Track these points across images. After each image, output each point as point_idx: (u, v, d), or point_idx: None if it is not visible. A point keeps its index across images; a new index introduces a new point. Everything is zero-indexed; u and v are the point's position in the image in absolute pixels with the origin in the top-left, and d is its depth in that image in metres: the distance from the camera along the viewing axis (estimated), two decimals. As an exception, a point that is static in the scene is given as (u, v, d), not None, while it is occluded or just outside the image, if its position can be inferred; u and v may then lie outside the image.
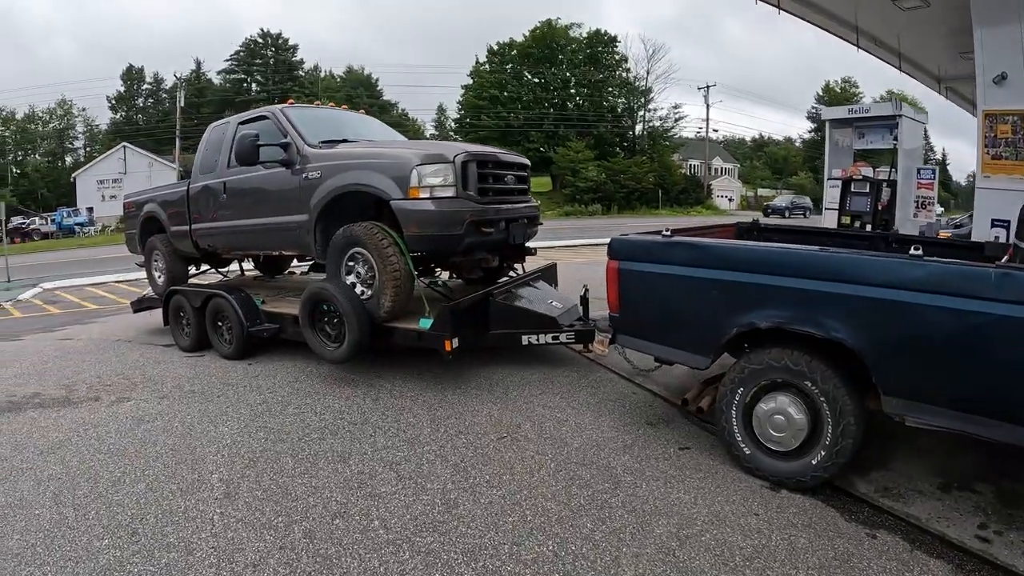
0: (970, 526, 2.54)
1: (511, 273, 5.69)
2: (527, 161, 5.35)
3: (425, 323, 4.38)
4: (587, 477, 3.09)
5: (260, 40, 49.35)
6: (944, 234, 6.48)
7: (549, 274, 5.94)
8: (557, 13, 60.49)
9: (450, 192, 4.28)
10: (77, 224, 34.77)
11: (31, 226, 33.24)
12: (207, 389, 4.65)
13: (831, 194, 6.95)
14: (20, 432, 3.93)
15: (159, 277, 6.67)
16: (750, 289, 3.09)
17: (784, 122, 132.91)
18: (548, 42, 43.33)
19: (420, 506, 2.85)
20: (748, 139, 62.50)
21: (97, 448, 3.61)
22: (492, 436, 3.65)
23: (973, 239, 5.12)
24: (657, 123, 45.44)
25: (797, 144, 58.94)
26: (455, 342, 4.24)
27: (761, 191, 48.42)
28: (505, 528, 2.65)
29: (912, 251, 2.68)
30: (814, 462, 2.87)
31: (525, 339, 4.71)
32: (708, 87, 43.84)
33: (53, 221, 34.23)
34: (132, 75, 49.21)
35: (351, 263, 4.57)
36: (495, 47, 45.01)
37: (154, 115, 48.24)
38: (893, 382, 2.67)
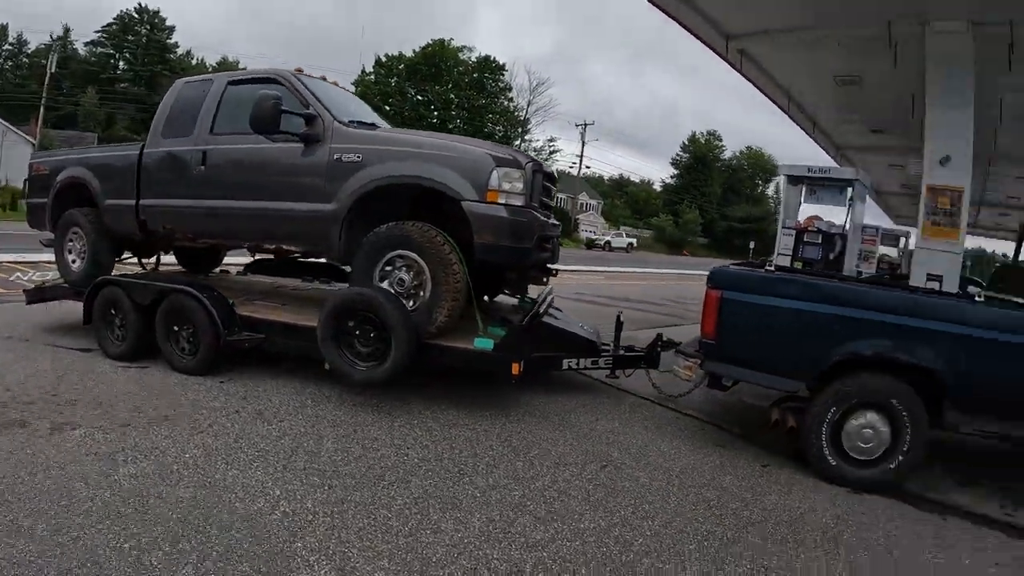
0: (995, 507, 3.33)
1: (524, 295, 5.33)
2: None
3: (483, 343, 3.87)
4: (714, 497, 3.11)
5: (136, 15, 45.62)
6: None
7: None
8: (444, 33, 61.08)
9: (521, 201, 3.90)
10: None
11: None
12: (185, 415, 3.52)
13: (784, 242, 7.80)
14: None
15: (74, 262, 5.15)
16: (853, 322, 3.42)
17: (646, 165, 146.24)
18: (437, 61, 43.38)
19: (594, 549, 2.47)
20: (606, 178, 67.75)
21: (69, 508, 2.38)
22: (593, 466, 3.36)
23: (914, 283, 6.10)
24: (532, 154, 47.49)
25: (658, 188, 65.21)
26: (522, 365, 3.83)
27: (625, 228, 52.43)
28: (697, 556, 2.52)
29: (975, 298, 3.54)
30: (892, 466, 3.33)
31: (566, 363, 4.45)
32: (586, 125, 46.86)
33: None
34: (-9, 32, 40.89)
35: (388, 267, 3.91)
36: (384, 59, 44.24)
37: (12, 79, 42.65)
38: (961, 398, 3.29)
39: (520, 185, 3.87)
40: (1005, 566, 2.71)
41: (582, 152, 48.44)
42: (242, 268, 6.18)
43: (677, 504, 2.99)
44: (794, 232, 7.61)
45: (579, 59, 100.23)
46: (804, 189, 7.69)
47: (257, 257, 5.79)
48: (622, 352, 4.76)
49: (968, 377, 3.23)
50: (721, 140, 61.67)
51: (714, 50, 8.06)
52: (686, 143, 61.86)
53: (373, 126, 4.39)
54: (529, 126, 47.36)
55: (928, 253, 6.09)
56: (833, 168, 8.45)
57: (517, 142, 47.14)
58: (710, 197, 59.16)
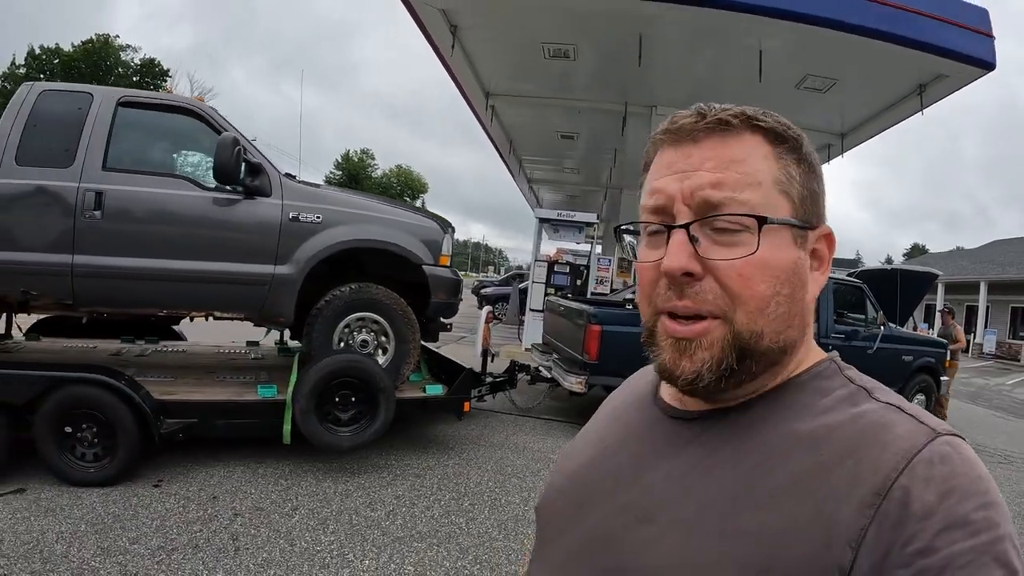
0: None
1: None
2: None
3: (434, 389, 4.41)
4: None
5: None
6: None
7: None
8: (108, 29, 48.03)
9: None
10: None
11: None
12: (126, 564, 2.63)
13: (538, 272, 9.62)
14: None
15: None
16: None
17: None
18: (96, 60, 34.58)
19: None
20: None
21: None
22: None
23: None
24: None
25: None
26: (472, 402, 4.51)
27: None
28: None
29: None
30: None
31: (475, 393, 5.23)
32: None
33: None
34: None
35: (346, 329, 4.07)
36: (38, 50, 33.17)
37: None
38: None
39: (451, 247, 4.54)
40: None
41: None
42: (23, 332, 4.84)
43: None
44: (547, 263, 9.77)
45: (220, 63, 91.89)
46: (550, 227, 9.94)
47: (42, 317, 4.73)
48: (493, 379, 5.59)
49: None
50: (374, 158, 64.14)
51: (469, 101, 9.50)
52: (339, 160, 62.07)
53: (305, 182, 4.25)
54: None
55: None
56: (579, 213, 11.10)
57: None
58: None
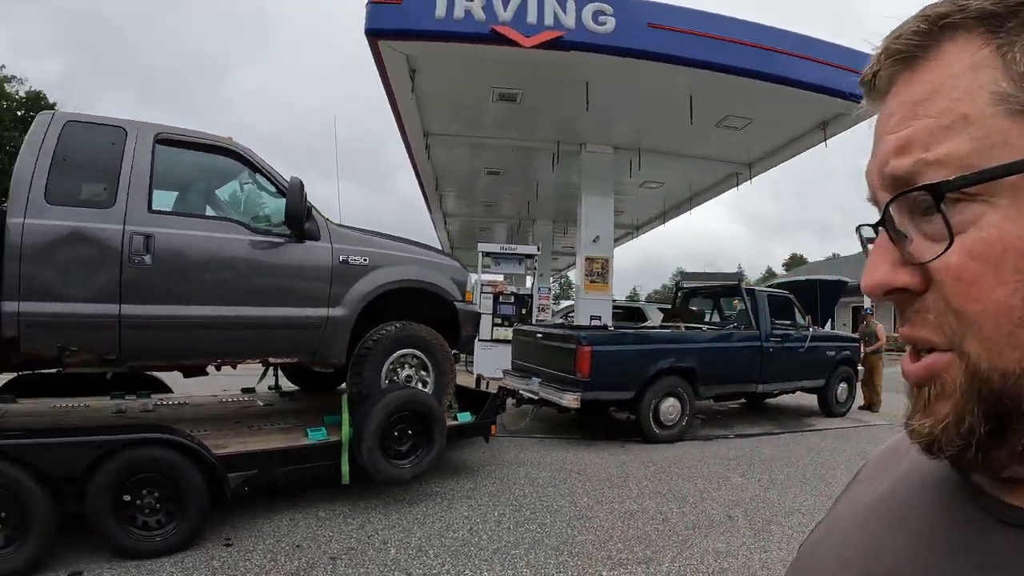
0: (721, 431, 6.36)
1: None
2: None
3: (463, 416, 4.70)
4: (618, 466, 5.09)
5: None
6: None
7: None
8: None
9: None
10: None
11: None
12: None
13: (485, 304, 9.83)
14: None
15: None
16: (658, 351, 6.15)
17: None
18: None
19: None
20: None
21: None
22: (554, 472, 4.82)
23: (579, 323, 9.58)
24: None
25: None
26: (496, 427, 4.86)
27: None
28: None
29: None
30: (683, 424, 6.12)
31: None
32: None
33: None
34: None
35: (393, 366, 4.23)
36: None
37: None
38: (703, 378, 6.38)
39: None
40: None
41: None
42: None
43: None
44: (492, 295, 10.26)
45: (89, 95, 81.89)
46: (492, 260, 10.46)
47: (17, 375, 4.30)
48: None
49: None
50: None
51: (406, 138, 9.84)
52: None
53: (342, 225, 4.27)
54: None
55: (588, 302, 9.70)
56: (519, 245, 11.71)
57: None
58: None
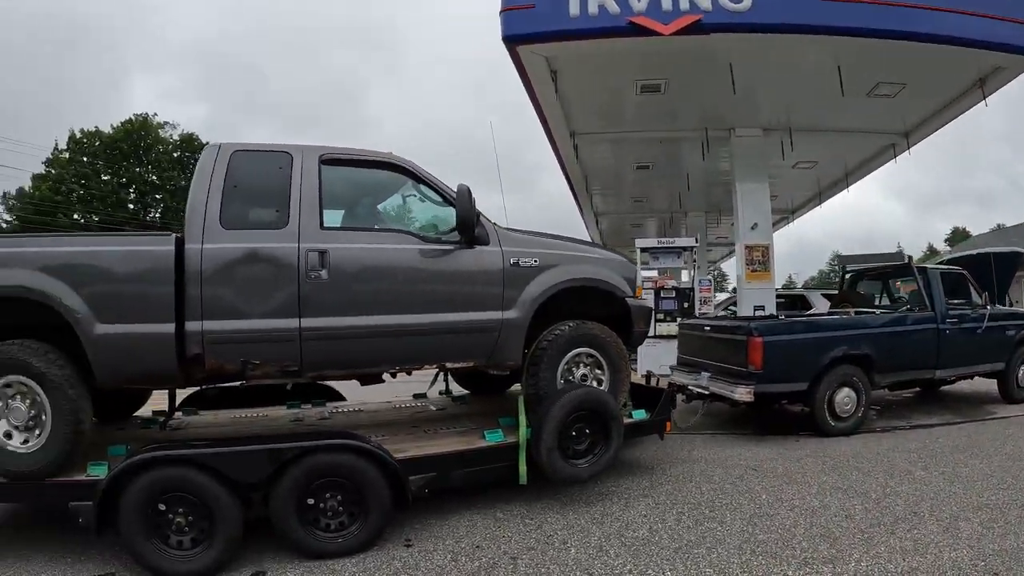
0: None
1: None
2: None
3: (638, 413, 4.58)
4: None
5: None
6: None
7: None
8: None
9: None
10: None
11: None
12: None
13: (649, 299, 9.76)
14: None
15: (13, 438, 3.12)
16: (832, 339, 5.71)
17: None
18: (137, 138, 36.78)
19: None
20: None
21: None
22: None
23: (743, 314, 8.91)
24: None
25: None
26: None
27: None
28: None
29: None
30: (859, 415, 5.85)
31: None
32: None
33: None
34: None
35: (568, 366, 4.21)
36: (79, 134, 35.25)
37: None
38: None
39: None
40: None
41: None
42: (180, 407, 4.73)
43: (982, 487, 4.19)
44: (653, 290, 9.95)
45: (235, 131, 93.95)
46: (649, 255, 10.21)
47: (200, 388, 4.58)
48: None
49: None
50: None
51: (554, 141, 9.96)
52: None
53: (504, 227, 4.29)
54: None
55: (750, 292, 9.10)
56: (676, 238, 11.45)
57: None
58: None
